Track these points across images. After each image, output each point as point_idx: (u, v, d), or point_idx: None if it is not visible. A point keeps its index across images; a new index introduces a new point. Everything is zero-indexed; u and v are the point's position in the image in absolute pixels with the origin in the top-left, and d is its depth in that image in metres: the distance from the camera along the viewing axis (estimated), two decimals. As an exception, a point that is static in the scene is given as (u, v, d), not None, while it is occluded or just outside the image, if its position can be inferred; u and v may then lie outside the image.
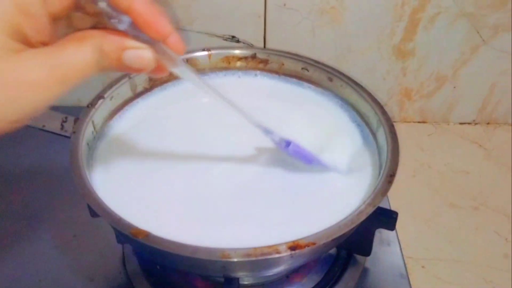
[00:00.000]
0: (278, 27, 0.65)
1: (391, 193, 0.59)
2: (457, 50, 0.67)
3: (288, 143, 0.42)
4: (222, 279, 0.41)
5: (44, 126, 0.44)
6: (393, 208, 0.57)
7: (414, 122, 0.75)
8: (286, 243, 0.35)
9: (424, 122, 0.75)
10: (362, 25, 0.64)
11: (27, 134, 0.46)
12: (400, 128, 0.73)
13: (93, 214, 0.42)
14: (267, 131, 0.41)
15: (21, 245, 0.53)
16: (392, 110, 0.73)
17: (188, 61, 0.54)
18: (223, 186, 0.44)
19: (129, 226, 0.36)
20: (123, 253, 0.52)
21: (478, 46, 0.66)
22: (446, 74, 0.69)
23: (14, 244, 0.53)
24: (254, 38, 0.66)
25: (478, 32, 0.64)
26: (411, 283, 0.50)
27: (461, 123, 0.75)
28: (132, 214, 0.38)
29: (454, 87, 0.70)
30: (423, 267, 0.54)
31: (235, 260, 0.34)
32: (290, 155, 0.42)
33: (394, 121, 0.74)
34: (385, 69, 0.69)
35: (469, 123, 0.75)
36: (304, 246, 0.35)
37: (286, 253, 0.34)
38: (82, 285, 0.49)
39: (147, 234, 0.35)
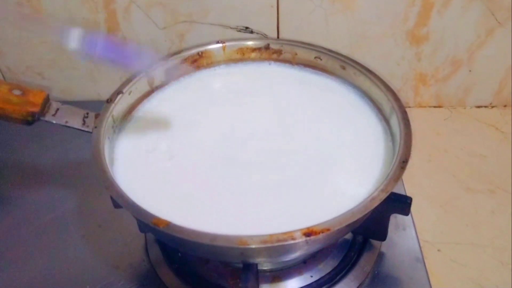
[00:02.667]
0: (291, 17, 0.65)
1: (407, 178, 0.60)
2: (472, 33, 0.66)
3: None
4: (241, 265, 0.42)
5: (66, 122, 0.46)
6: (409, 192, 0.58)
7: (429, 107, 0.75)
8: (301, 229, 0.36)
9: (439, 106, 0.74)
10: (375, 11, 0.64)
11: (51, 130, 0.48)
12: (415, 113, 0.73)
13: (116, 205, 0.44)
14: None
15: (49, 236, 0.55)
16: (407, 95, 0.73)
17: (203, 53, 0.56)
18: (239, 173, 0.45)
19: (151, 216, 0.38)
20: (146, 241, 0.54)
21: (493, 28, 0.65)
22: (461, 58, 0.69)
23: (42, 234, 0.55)
24: (267, 28, 0.67)
25: (493, 15, 0.64)
26: (427, 266, 0.51)
27: (477, 107, 0.74)
28: (153, 203, 0.40)
29: (470, 71, 0.70)
30: (439, 250, 0.55)
31: (252, 246, 0.36)
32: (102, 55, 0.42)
33: (409, 107, 0.74)
34: (399, 55, 0.69)
35: (485, 107, 0.74)
36: (319, 232, 0.36)
37: (301, 239, 0.36)
38: (108, 273, 0.51)
39: (167, 224, 0.37)
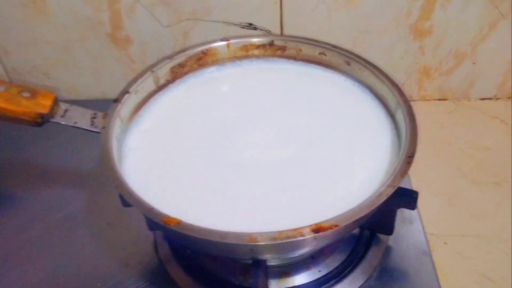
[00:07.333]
0: (295, 12, 0.65)
1: (413, 171, 0.60)
2: (476, 26, 0.66)
3: None
4: (251, 262, 0.43)
5: (75, 123, 0.46)
6: (414, 186, 0.58)
7: (433, 100, 0.75)
8: (309, 226, 0.36)
9: (444, 99, 0.75)
10: (378, 5, 0.64)
11: (60, 130, 0.49)
12: (419, 107, 0.73)
13: (125, 204, 0.45)
14: None
15: (58, 234, 0.56)
16: (411, 89, 0.73)
17: (207, 51, 0.56)
18: (247, 170, 0.46)
19: (161, 214, 0.38)
20: (155, 239, 0.54)
21: (496, 21, 0.65)
22: (465, 51, 0.69)
23: (51, 233, 0.56)
24: (271, 24, 0.67)
25: (496, 7, 0.64)
26: (434, 259, 0.51)
27: (481, 99, 0.74)
28: (162, 202, 0.40)
29: (474, 63, 0.70)
30: (445, 243, 0.55)
31: (262, 243, 0.36)
32: None
33: (413, 100, 0.74)
34: (403, 49, 0.69)
35: (490, 99, 0.74)
36: (327, 228, 0.36)
37: (310, 236, 0.36)
38: (118, 270, 0.52)
39: (178, 222, 0.37)
